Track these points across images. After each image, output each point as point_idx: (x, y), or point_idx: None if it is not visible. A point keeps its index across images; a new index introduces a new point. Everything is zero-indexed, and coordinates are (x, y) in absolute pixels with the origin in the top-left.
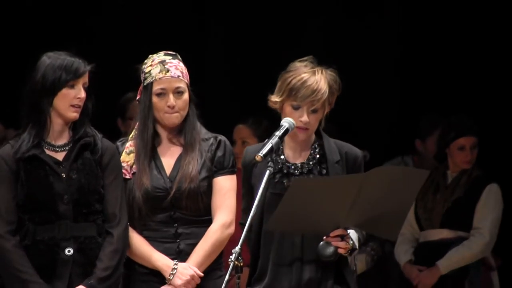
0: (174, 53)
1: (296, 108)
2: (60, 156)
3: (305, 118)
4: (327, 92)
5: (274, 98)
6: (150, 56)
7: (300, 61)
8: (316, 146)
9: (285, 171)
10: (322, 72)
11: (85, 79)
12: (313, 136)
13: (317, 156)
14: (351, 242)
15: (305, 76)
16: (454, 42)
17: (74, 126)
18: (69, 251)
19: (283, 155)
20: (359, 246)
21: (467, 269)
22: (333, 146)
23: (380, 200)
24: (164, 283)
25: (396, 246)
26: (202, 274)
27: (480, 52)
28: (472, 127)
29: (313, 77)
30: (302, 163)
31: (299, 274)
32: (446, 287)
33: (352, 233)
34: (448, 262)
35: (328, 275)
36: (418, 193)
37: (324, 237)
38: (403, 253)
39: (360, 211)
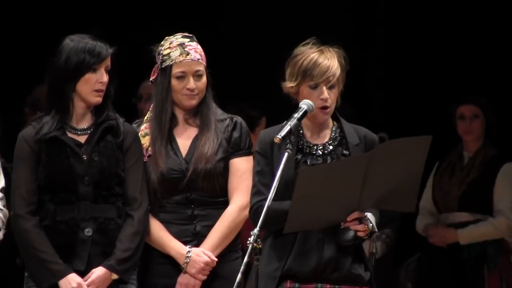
0: (191, 35)
1: (314, 87)
2: (82, 139)
3: (325, 94)
4: (339, 67)
5: (289, 84)
6: (167, 38)
7: (303, 45)
8: (336, 128)
9: (306, 150)
10: (329, 50)
11: (107, 62)
12: (330, 119)
13: (338, 137)
14: (371, 225)
15: (314, 55)
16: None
17: (96, 109)
18: (88, 232)
19: (304, 136)
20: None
21: (486, 252)
22: (351, 129)
23: (389, 176)
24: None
25: (417, 223)
26: (216, 259)
27: (494, 35)
28: (473, 96)
29: (322, 55)
30: (324, 144)
31: (320, 253)
32: (466, 271)
33: (370, 216)
34: (468, 233)
35: (348, 255)
36: (435, 175)
37: (342, 223)
38: (424, 224)
39: (372, 191)
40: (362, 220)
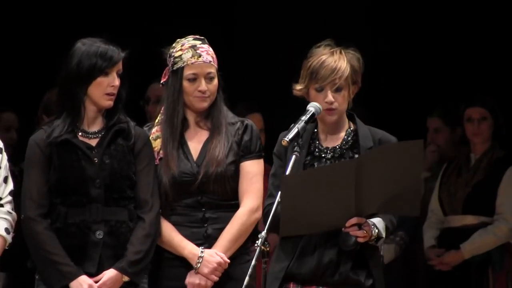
0: (202, 37)
1: (319, 90)
2: (93, 142)
3: (329, 98)
4: (348, 70)
5: (298, 86)
6: (178, 40)
7: (318, 46)
8: (350, 131)
9: (316, 153)
10: (340, 52)
11: (119, 66)
12: (346, 121)
13: (350, 141)
14: (376, 230)
15: (323, 57)
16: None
17: (107, 112)
18: (99, 234)
19: (317, 139)
20: (388, 234)
21: (490, 255)
22: (367, 132)
23: (387, 181)
24: (191, 269)
25: (423, 231)
26: (228, 261)
27: (501, 36)
28: (481, 99)
29: (331, 57)
30: (334, 147)
31: (321, 256)
32: (471, 274)
33: (378, 222)
34: (471, 247)
35: (348, 259)
36: (442, 177)
37: (343, 229)
38: (427, 239)
39: (371, 196)
40: (361, 225)
